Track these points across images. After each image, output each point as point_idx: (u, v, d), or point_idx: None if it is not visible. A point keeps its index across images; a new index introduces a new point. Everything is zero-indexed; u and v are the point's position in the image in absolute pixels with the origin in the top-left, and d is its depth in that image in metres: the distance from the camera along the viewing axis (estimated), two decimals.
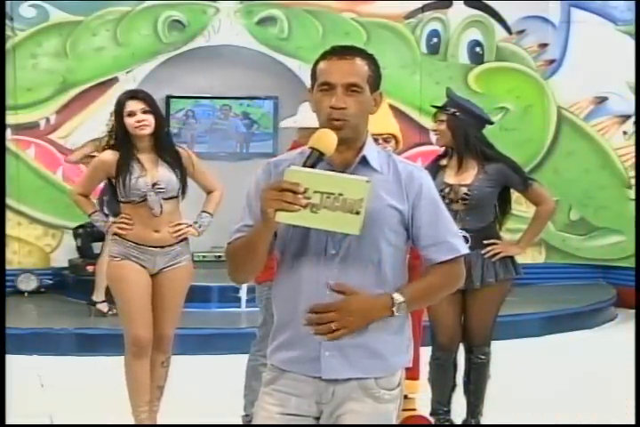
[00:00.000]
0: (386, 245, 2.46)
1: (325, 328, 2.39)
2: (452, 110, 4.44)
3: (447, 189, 4.35)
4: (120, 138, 4.40)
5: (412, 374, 4.19)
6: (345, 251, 2.44)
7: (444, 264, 2.50)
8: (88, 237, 7.65)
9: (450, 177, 4.41)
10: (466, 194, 4.35)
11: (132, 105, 4.34)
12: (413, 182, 2.49)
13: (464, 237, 4.28)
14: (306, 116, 4.35)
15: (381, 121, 3.92)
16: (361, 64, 2.45)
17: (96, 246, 7.62)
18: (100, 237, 7.07)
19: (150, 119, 4.35)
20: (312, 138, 2.39)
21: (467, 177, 4.40)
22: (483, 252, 4.38)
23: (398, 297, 2.42)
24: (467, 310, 4.47)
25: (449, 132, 4.44)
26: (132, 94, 4.44)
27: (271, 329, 2.59)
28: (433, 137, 7.99)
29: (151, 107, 4.37)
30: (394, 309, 2.42)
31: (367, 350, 2.48)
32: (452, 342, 4.48)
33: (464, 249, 2.53)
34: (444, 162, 4.48)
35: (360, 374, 2.49)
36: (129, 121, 4.33)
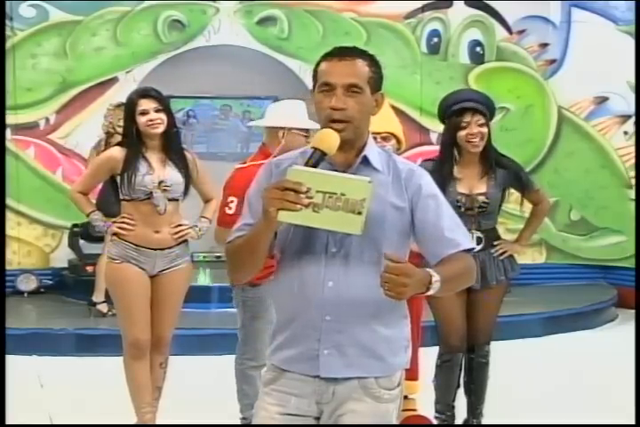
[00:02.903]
0: (387, 244, 2.46)
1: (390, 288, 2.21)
2: (487, 113, 4.33)
3: (464, 199, 4.31)
4: (129, 136, 4.37)
5: (410, 374, 4.18)
6: (346, 249, 2.44)
7: (458, 256, 2.46)
8: (75, 236, 7.64)
9: (463, 186, 4.34)
10: (485, 202, 4.34)
11: (145, 103, 4.30)
12: (413, 181, 2.51)
13: (478, 237, 4.34)
14: (273, 115, 4.26)
15: (381, 120, 3.89)
16: (362, 65, 2.45)
17: (85, 246, 7.63)
18: (88, 235, 7.06)
19: (163, 118, 4.32)
20: (314, 138, 2.41)
21: (478, 185, 4.36)
22: (492, 251, 4.40)
23: (435, 275, 2.30)
24: (475, 310, 4.45)
25: (487, 137, 4.33)
26: (145, 93, 4.38)
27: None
28: (433, 137, 8.13)
29: (163, 105, 4.34)
30: (430, 286, 2.29)
31: (364, 349, 2.48)
32: (462, 344, 4.47)
33: (469, 244, 2.52)
34: (456, 172, 4.34)
35: (359, 373, 2.49)
36: (141, 119, 4.29)
